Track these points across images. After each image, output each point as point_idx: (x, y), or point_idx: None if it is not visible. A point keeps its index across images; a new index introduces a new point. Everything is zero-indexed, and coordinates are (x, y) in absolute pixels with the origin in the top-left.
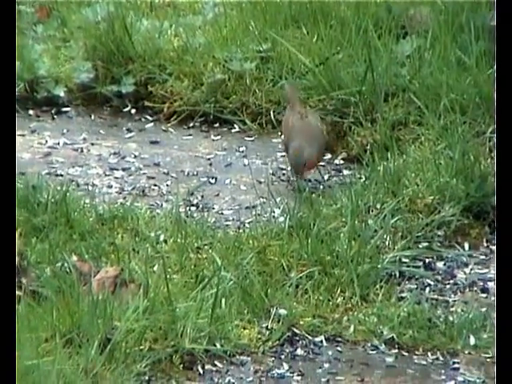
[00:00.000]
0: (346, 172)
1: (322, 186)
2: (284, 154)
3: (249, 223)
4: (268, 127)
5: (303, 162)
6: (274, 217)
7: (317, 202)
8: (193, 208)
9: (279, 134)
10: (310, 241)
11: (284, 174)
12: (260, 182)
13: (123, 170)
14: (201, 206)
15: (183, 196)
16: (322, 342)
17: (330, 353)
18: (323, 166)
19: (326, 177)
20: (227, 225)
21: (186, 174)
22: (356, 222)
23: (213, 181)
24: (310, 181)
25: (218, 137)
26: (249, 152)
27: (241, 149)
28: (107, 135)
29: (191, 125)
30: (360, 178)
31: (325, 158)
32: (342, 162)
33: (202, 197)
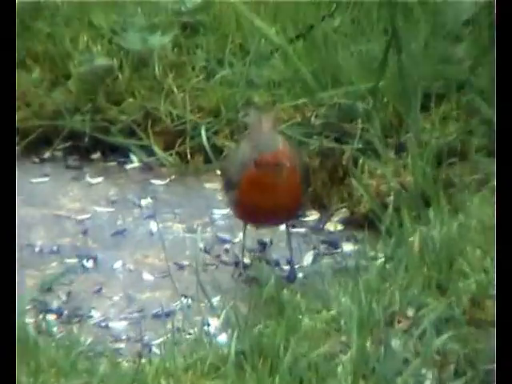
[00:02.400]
0: (347, 247)
1: (301, 275)
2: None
3: (159, 346)
4: (196, 159)
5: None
6: (207, 333)
7: (291, 304)
8: (51, 316)
9: (217, 172)
10: (277, 380)
11: (227, 251)
12: (181, 267)
13: None
14: (66, 312)
15: (33, 293)
16: None
17: None
18: (304, 235)
19: (309, 256)
20: (118, 349)
21: (37, 250)
22: (367, 343)
23: (90, 263)
24: (277, 264)
25: (100, 178)
26: (159, 207)
27: (143, 202)
28: None
29: (47, 156)
30: (375, 258)
31: (308, 218)
32: (340, 226)
33: (69, 294)
